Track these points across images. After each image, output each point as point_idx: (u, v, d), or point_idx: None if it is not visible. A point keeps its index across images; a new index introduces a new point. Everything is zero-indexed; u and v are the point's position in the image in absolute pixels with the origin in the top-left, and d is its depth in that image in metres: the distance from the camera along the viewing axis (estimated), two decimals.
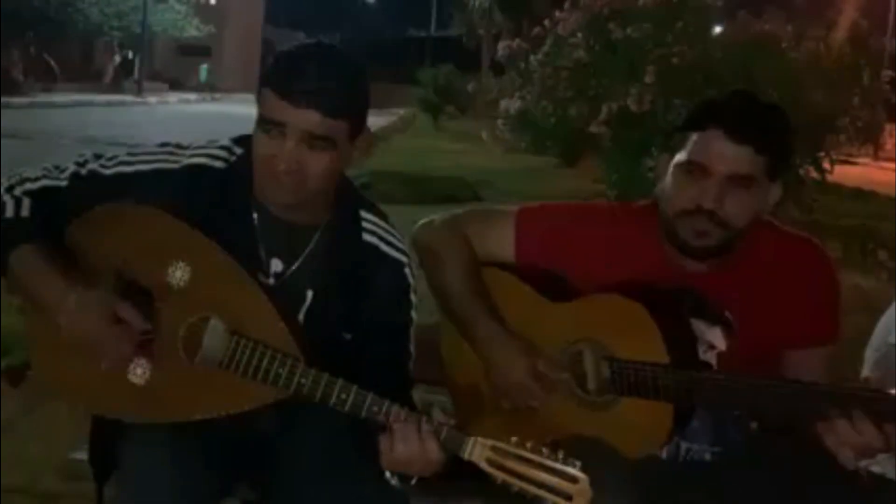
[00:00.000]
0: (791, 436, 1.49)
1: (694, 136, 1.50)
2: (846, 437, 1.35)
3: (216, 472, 1.41)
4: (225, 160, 1.48)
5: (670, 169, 1.53)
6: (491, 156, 11.41)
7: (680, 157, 1.52)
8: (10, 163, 1.51)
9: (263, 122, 1.39)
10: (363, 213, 1.52)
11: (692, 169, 1.49)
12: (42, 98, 19.65)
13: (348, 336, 1.50)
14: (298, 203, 1.44)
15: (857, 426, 1.34)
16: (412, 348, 1.53)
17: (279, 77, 1.38)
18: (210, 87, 29.93)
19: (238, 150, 1.49)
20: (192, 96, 27.79)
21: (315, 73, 1.37)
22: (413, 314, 1.53)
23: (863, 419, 1.34)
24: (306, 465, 1.46)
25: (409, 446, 1.29)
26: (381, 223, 1.53)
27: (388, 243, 1.51)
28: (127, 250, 1.42)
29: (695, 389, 1.47)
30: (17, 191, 1.45)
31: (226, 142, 1.50)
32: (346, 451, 1.42)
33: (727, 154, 1.47)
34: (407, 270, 1.52)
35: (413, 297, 1.53)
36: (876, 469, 1.57)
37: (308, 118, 1.36)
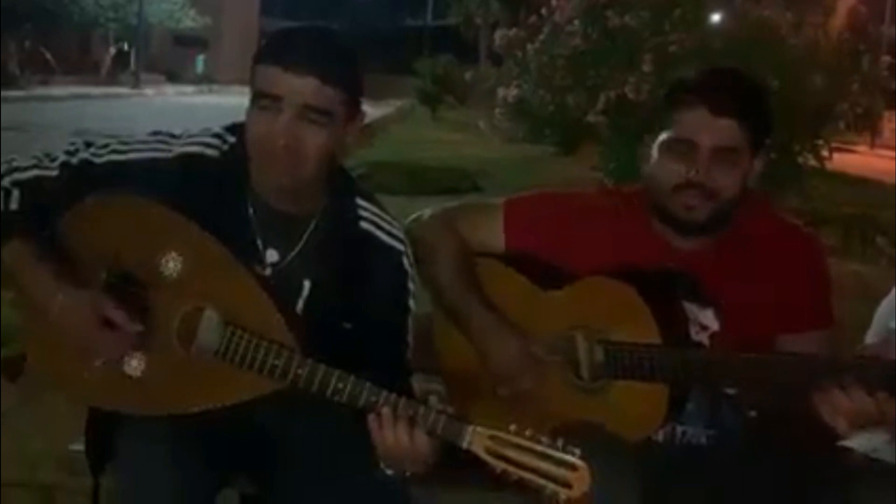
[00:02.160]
0: (788, 418, 1.50)
1: (677, 115, 1.53)
2: (840, 407, 1.36)
3: (213, 467, 1.40)
4: (218, 148, 1.47)
5: (655, 149, 1.56)
6: (489, 146, 11.40)
7: (664, 136, 1.54)
8: (8, 156, 1.49)
9: (258, 98, 1.38)
10: (359, 202, 1.50)
11: (678, 145, 1.52)
12: (39, 91, 19.60)
13: (348, 325, 1.49)
14: (295, 186, 1.42)
15: (850, 394, 1.35)
16: (410, 338, 1.52)
17: (275, 50, 1.37)
18: (207, 79, 29.87)
19: (230, 139, 1.47)
20: (189, 88, 27.72)
21: (311, 42, 1.37)
22: (411, 302, 1.52)
23: (855, 387, 1.35)
24: (304, 457, 1.46)
25: (398, 446, 1.28)
26: (378, 211, 1.52)
27: (385, 231, 1.50)
28: (119, 241, 1.41)
29: (690, 368, 1.48)
30: (6, 181, 1.43)
31: (218, 130, 1.49)
32: (344, 443, 1.41)
33: (712, 127, 1.51)
34: (404, 259, 1.51)
35: (411, 285, 1.52)
36: (873, 455, 1.58)
37: (306, 86, 1.34)
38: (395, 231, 1.52)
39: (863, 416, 1.37)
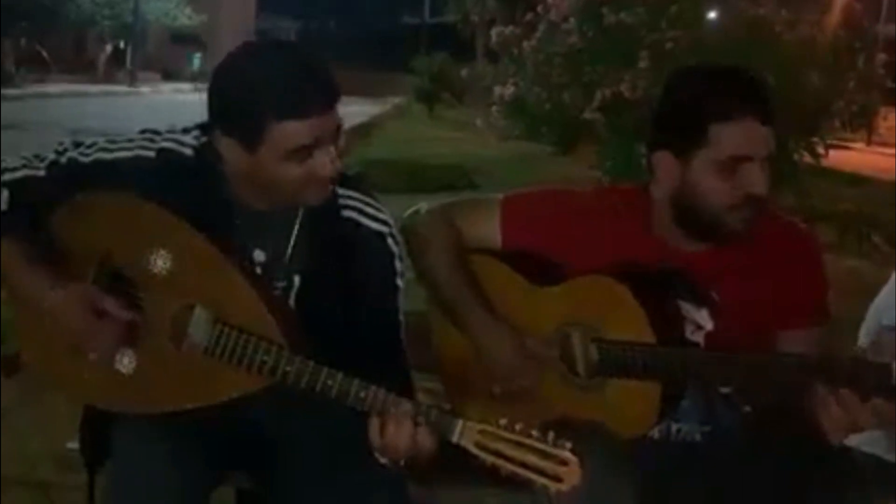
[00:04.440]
0: (783, 415, 1.51)
1: (722, 128, 1.46)
2: (834, 415, 1.35)
3: (210, 465, 1.41)
4: (193, 148, 1.46)
5: (697, 167, 1.49)
6: (486, 144, 11.41)
7: (711, 153, 1.47)
8: (5, 155, 1.50)
9: (292, 153, 1.34)
10: (339, 191, 1.49)
11: (733, 162, 1.47)
12: (35, 89, 19.56)
13: (339, 312, 1.49)
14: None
15: (844, 403, 1.35)
16: (402, 317, 1.52)
17: (288, 103, 1.32)
18: (203, 77, 29.82)
19: (203, 138, 1.46)
20: (185, 86, 27.67)
21: (311, 74, 1.34)
22: (399, 282, 1.51)
23: (849, 395, 1.34)
24: (302, 455, 1.46)
25: (399, 431, 1.29)
26: (358, 195, 1.51)
27: (368, 215, 1.50)
28: (109, 239, 1.42)
29: (684, 367, 1.48)
30: None
31: (191, 128, 1.48)
32: (342, 440, 1.42)
33: (764, 138, 1.47)
34: (389, 240, 1.51)
35: (398, 264, 1.52)
36: (867, 449, 1.58)
37: (332, 118, 1.35)
38: (377, 213, 1.51)
39: (857, 424, 1.35)
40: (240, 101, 1.34)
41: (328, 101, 1.35)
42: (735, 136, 1.46)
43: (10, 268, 1.41)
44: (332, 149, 1.37)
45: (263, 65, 1.35)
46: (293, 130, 1.33)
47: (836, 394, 1.35)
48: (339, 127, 1.38)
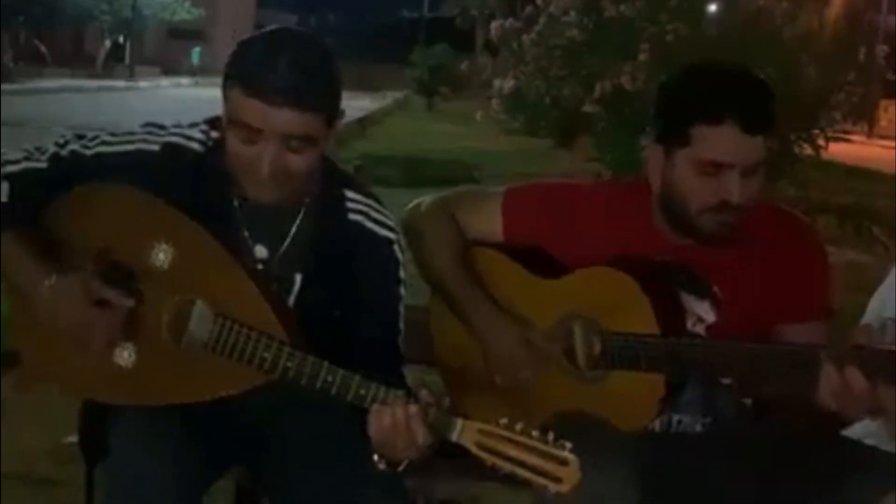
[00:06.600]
0: (784, 407, 1.50)
1: (704, 130, 1.46)
2: (835, 381, 1.34)
3: (207, 459, 1.40)
4: (201, 142, 1.45)
5: (678, 164, 1.49)
6: (487, 137, 11.42)
7: (692, 153, 1.47)
8: (4, 150, 1.49)
9: (235, 125, 1.33)
10: (348, 193, 1.49)
11: (710, 167, 1.46)
12: (33, 84, 19.54)
13: (339, 315, 1.48)
14: (280, 200, 1.41)
15: (848, 383, 1.33)
16: (402, 324, 1.51)
17: (248, 70, 1.31)
18: (202, 71, 29.81)
19: (213, 133, 1.45)
20: (184, 80, 27.65)
21: (287, 65, 1.30)
22: (402, 290, 1.51)
23: (854, 375, 1.33)
24: (299, 449, 1.46)
25: (395, 429, 1.28)
26: (367, 200, 1.50)
27: (375, 220, 1.49)
28: (109, 231, 1.41)
29: (687, 359, 1.48)
30: None
31: (200, 123, 1.47)
32: (338, 434, 1.42)
33: (745, 147, 1.46)
34: (395, 247, 1.50)
35: (401, 272, 1.51)
36: (870, 441, 1.58)
37: (285, 119, 1.31)
38: (385, 220, 1.50)
39: (860, 407, 1.35)
40: (233, 55, 1.37)
41: (290, 96, 1.30)
42: (715, 140, 1.46)
43: (9, 260, 1.40)
44: (278, 153, 1.32)
45: (264, 41, 1.35)
46: (237, 96, 1.32)
47: (841, 375, 1.34)
48: (306, 136, 1.33)
